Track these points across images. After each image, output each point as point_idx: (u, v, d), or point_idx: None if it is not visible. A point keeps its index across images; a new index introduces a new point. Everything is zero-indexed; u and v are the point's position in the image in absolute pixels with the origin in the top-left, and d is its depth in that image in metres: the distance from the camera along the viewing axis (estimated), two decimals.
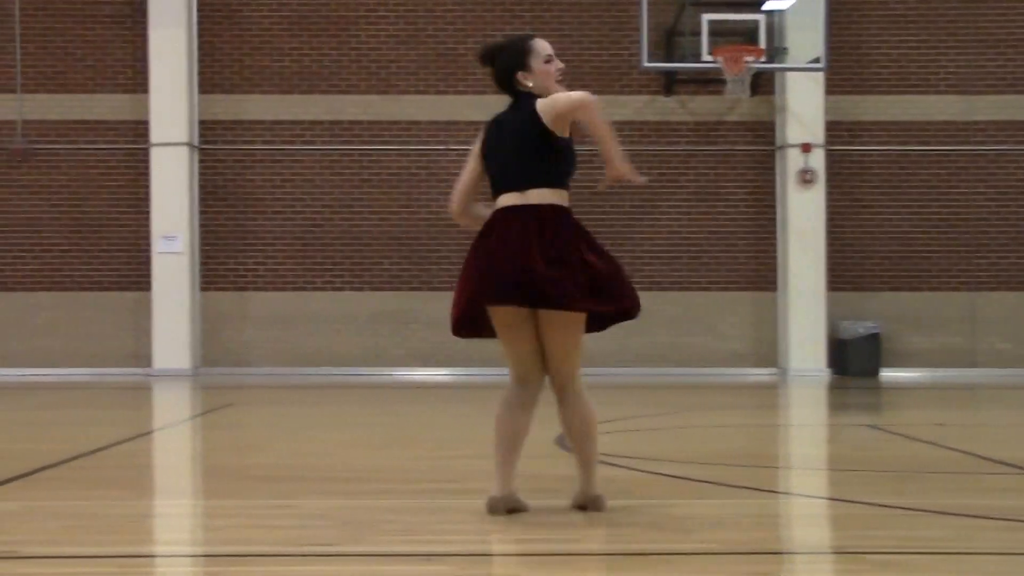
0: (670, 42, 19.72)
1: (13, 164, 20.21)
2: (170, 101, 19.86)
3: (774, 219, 20.43)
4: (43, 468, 8.61)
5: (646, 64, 18.85)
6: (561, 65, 6.82)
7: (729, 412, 14.00)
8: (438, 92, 20.45)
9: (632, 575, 5.44)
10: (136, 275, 20.07)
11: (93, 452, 9.62)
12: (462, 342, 20.25)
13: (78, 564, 5.59)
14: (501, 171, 6.69)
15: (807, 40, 18.80)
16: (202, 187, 20.28)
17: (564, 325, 6.50)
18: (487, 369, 19.82)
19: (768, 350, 20.33)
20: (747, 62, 18.48)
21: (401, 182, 20.37)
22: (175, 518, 7.05)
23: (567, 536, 6.19)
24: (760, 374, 20.08)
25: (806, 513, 7.14)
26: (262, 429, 12.38)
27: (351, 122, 20.32)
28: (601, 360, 19.75)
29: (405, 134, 20.37)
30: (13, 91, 20.13)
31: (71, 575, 5.41)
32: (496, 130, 6.78)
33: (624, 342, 19.93)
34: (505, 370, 6.82)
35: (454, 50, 20.45)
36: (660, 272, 20.37)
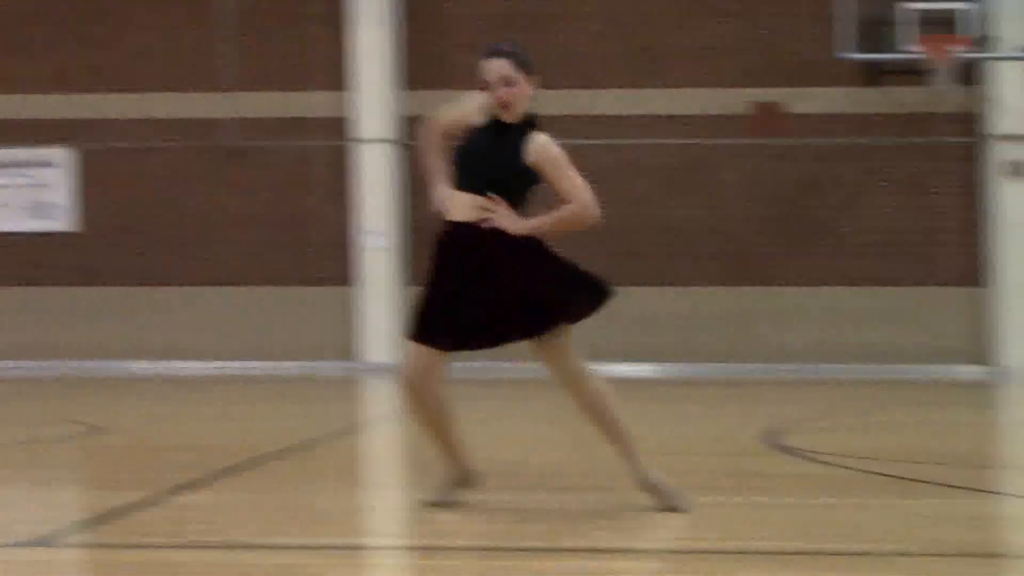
0: (871, 32, 19.35)
1: (225, 161, 20.67)
2: (373, 98, 20.14)
3: (983, 212, 19.92)
4: (257, 460, 8.79)
5: (845, 55, 18.55)
6: (502, 95, 6.62)
7: (940, 409, 13.71)
8: (639, 87, 20.38)
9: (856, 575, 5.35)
10: (343, 270, 20.38)
11: (305, 445, 9.80)
12: (671, 336, 20.18)
13: (292, 555, 5.70)
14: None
15: (1017, 29, 18.30)
16: (407, 183, 20.50)
17: None
18: (692, 365, 19.70)
19: (979, 346, 19.83)
20: (953, 51, 18.03)
21: (602, 177, 20.28)
22: (387, 511, 7.13)
23: (777, 533, 6.12)
24: (971, 371, 19.61)
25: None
26: (470, 423, 12.46)
27: (551, 117, 20.30)
28: (806, 356, 19.50)
29: (606, 129, 20.34)
30: (224, 89, 20.60)
31: (286, 565, 5.51)
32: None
33: (835, 337, 19.65)
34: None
35: (656, 45, 20.36)
36: (866, 267, 20.02)
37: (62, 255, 20.71)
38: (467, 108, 6.81)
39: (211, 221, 20.52)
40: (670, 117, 20.17)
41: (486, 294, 6.71)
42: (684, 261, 20.21)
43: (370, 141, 20.10)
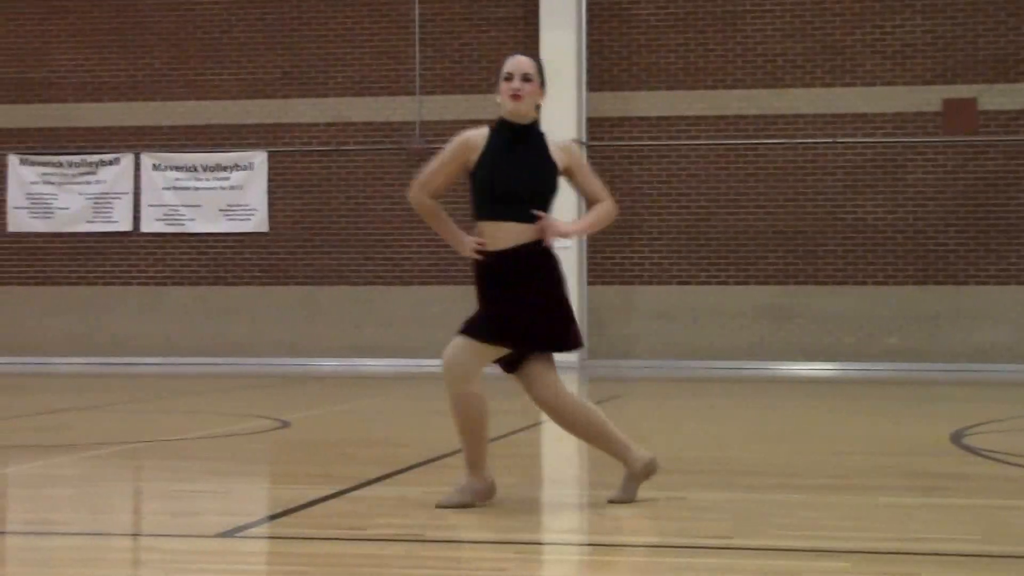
0: None
1: (413, 163, 20.98)
2: (559, 99, 20.24)
3: None
4: (440, 456, 8.93)
5: None
6: (516, 85, 6.75)
7: None
8: (824, 85, 20.17)
9: None
10: None
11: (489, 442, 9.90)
12: (851, 337, 19.93)
13: (479, 549, 5.79)
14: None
15: None
16: None
17: None
18: (873, 364, 19.44)
19: None
20: None
21: (787, 176, 20.19)
22: (568, 507, 7.18)
23: (959, 534, 6.05)
24: None
25: None
26: (648, 421, 12.50)
27: (736, 116, 20.26)
28: (994, 356, 19.12)
29: (791, 128, 20.18)
30: (412, 93, 20.91)
31: (467, 559, 5.60)
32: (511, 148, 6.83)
33: None
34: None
35: (841, 42, 20.13)
36: None
37: (253, 255, 21.21)
38: (435, 165, 6.94)
39: (397, 222, 20.83)
40: (858, 115, 19.91)
41: (526, 301, 6.81)
42: (869, 260, 19.93)
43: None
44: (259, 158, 21.32)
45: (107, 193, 21.65)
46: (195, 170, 21.49)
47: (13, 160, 21.74)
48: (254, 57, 21.22)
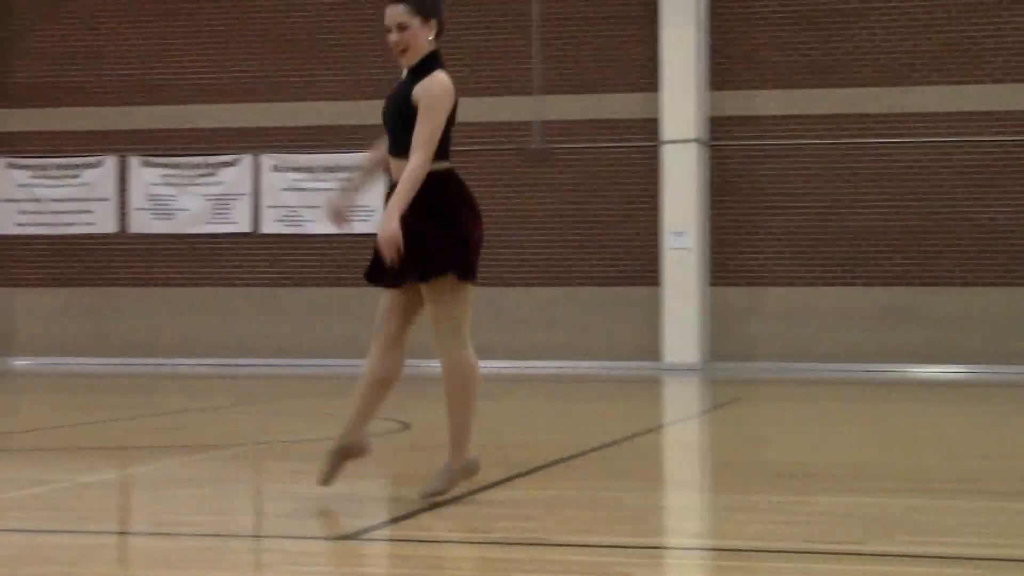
0: None
1: (532, 163, 20.92)
2: (681, 98, 20.07)
3: None
4: (564, 459, 8.84)
5: None
6: (395, 39, 6.66)
7: None
8: (951, 83, 19.78)
9: None
10: (647, 270, 20.39)
11: (609, 444, 9.81)
12: (977, 339, 19.52)
13: (603, 553, 5.68)
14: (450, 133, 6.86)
15: None
16: (712, 183, 20.39)
17: None
18: (1001, 367, 19.03)
19: None
20: None
21: (913, 175, 19.83)
22: (693, 511, 7.08)
23: None
24: None
25: None
26: (771, 424, 12.32)
27: (861, 115, 19.94)
28: None
29: (917, 126, 19.82)
30: (531, 93, 20.84)
31: (593, 563, 5.49)
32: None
33: None
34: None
35: (969, 38, 19.73)
36: None
37: (367, 256, 21.27)
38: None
39: (516, 222, 20.77)
40: (986, 113, 19.52)
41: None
42: (998, 261, 19.53)
43: (676, 142, 20.03)
44: None
45: (226, 194, 21.83)
46: (314, 171, 21.60)
47: (135, 162, 22.01)
48: (372, 58, 21.26)
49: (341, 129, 21.46)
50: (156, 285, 21.94)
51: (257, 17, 21.70)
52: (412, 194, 6.58)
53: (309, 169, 21.61)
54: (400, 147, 6.69)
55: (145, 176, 22.04)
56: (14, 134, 22.19)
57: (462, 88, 22.90)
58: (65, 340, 21.98)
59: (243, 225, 21.79)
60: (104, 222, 22.08)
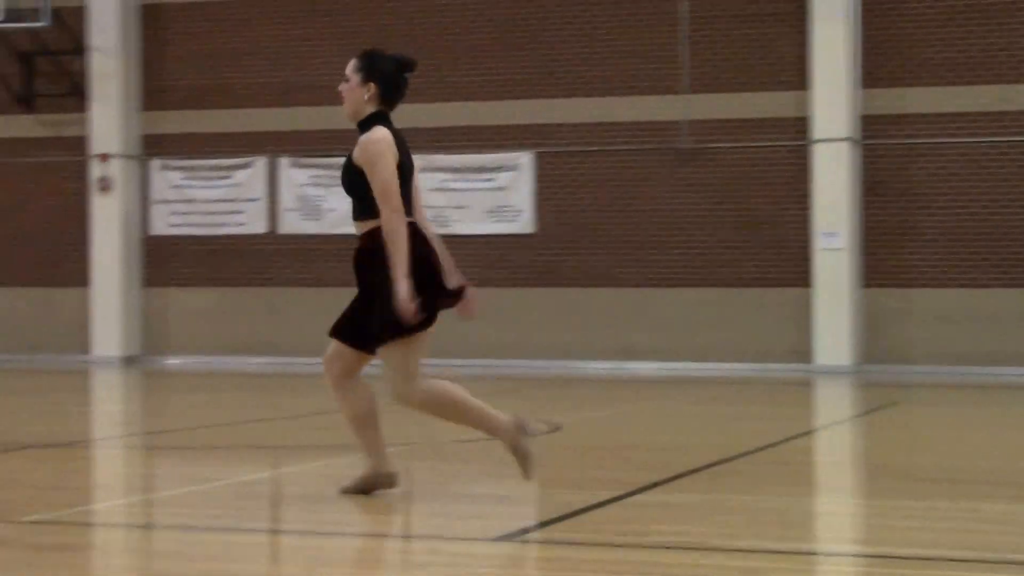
0: None
1: (680, 163, 20.80)
2: (832, 96, 19.79)
3: None
4: (716, 462, 8.75)
5: None
6: (339, 88, 7.09)
7: None
8: None
9: None
10: (798, 271, 20.14)
11: (762, 448, 9.70)
12: None
13: (757, 558, 5.61)
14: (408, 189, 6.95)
15: None
16: (864, 182, 20.07)
17: None
18: None
19: None
20: None
21: None
22: (847, 516, 6.97)
23: None
24: None
25: None
26: (927, 428, 12.10)
27: (1018, 112, 19.49)
28: None
29: None
30: (678, 91, 20.71)
31: (748, 568, 5.42)
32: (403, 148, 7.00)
33: None
34: None
35: None
36: None
37: (519, 257, 21.28)
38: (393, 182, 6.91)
39: (664, 223, 20.65)
40: None
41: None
42: None
43: (827, 141, 19.77)
44: (525, 159, 21.39)
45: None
46: (461, 171, 21.69)
47: (284, 163, 22.27)
48: (519, 57, 21.29)
49: (487, 129, 21.50)
50: (306, 285, 22.18)
51: (401, 18, 21.82)
52: (402, 248, 6.72)
53: (456, 169, 21.69)
54: (356, 211, 6.96)
55: (295, 177, 22.29)
56: (167, 136, 22.58)
57: (608, 88, 22.74)
58: (216, 339, 22.32)
59: None
60: (255, 222, 22.39)
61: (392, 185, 6.78)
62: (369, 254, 6.88)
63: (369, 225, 6.88)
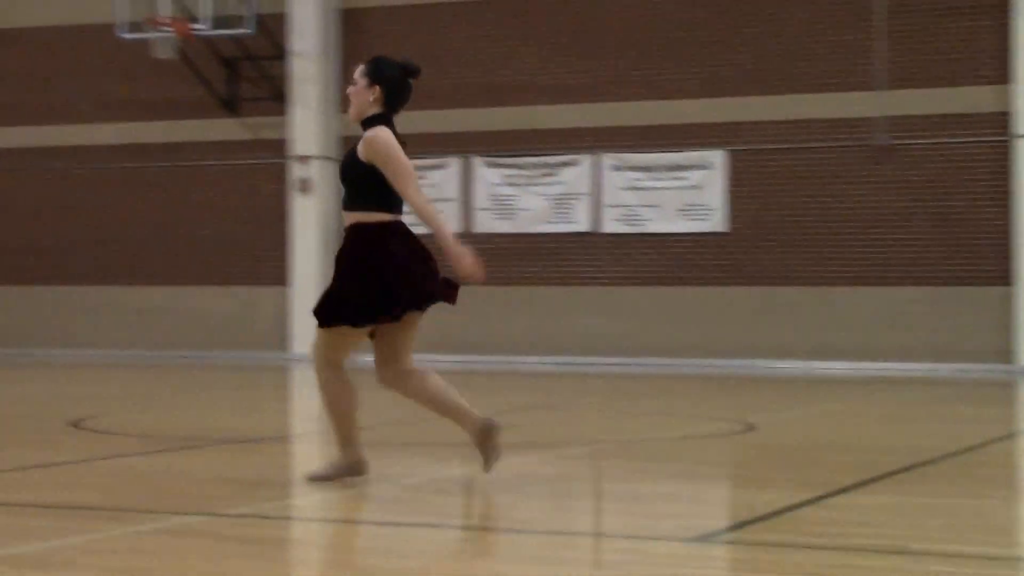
0: None
1: (876, 160, 20.45)
2: None
3: None
4: (917, 464, 8.59)
5: None
6: (347, 91, 7.53)
7: None
8: None
9: None
10: (998, 269, 19.66)
11: (964, 450, 9.49)
12: None
13: (963, 563, 5.49)
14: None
15: None
16: None
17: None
18: None
19: None
20: None
21: None
22: None
23: None
24: None
25: None
26: None
27: None
28: None
29: None
30: (873, 88, 20.36)
31: (956, 575, 5.31)
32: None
33: None
34: None
35: None
36: None
37: (711, 255, 21.14)
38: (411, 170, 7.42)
39: (859, 220, 20.34)
40: None
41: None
42: None
43: None
44: (718, 157, 21.24)
45: (567, 194, 22.05)
46: (653, 170, 21.62)
47: (478, 162, 22.45)
48: (714, 55, 21.15)
49: (680, 128, 21.40)
50: (498, 284, 22.31)
51: (598, 17, 21.83)
52: (438, 218, 7.32)
53: (649, 168, 21.64)
54: (350, 201, 7.41)
55: (488, 176, 22.46)
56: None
57: (803, 84, 22.40)
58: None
59: (583, 224, 21.98)
60: (449, 221, 22.59)
61: (406, 171, 7.29)
62: (352, 242, 7.37)
63: (358, 216, 7.37)
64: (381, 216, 7.39)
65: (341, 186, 7.49)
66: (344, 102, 22.62)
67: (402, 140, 7.41)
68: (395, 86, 7.44)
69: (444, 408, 7.75)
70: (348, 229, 7.43)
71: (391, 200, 7.38)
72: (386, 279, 7.30)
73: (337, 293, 7.37)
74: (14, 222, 24.46)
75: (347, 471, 7.53)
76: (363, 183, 7.33)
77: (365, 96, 7.40)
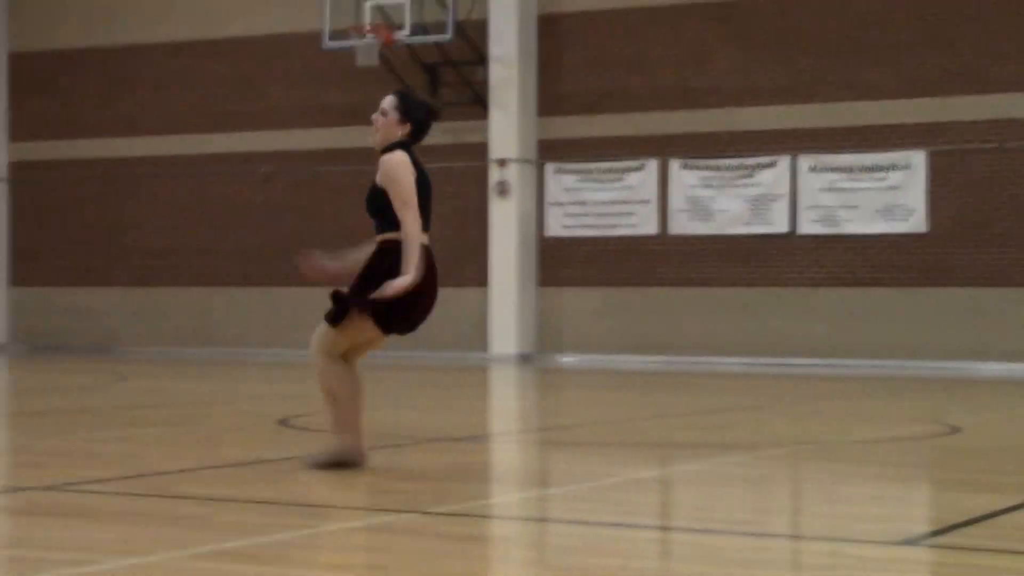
0: None
1: None
2: None
3: None
4: None
5: None
6: (373, 117, 7.94)
7: None
8: None
9: None
10: None
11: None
12: None
13: None
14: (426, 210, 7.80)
15: None
16: None
17: None
18: None
19: None
20: None
21: None
22: None
23: None
24: None
25: None
26: None
27: None
28: None
29: None
30: None
31: None
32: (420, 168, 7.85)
33: None
34: None
35: None
36: None
37: (911, 256, 20.81)
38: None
39: None
40: None
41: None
42: None
43: None
44: (917, 158, 20.92)
45: (764, 195, 21.91)
46: (851, 171, 21.37)
47: (675, 165, 22.43)
48: (913, 55, 20.84)
49: (878, 128, 21.12)
50: (695, 285, 22.29)
51: (795, 18, 21.66)
52: (415, 253, 7.56)
53: (847, 169, 21.39)
54: (380, 230, 7.77)
55: (685, 179, 22.43)
56: (561, 141, 23.08)
57: (1004, 84, 21.98)
58: (607, 338, 22.68)
59: (781, 226, 21.82)
60: (646, 224, 22.64)
61: (411, 194, 7.66)
62: (377, 256, 7.71)
63: (387, 236, 7.72)
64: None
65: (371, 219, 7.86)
66: (543, 105, 22.88)
67: (419, 166, 7.83)
68: (423, 126, 7.97)
69: (342, 405, 7.87)
70: (379, 243, 7.78)
71: (421, 215, 7.73)
72: (406, 298, 7.59)
73: (358, 291, 7.67)
74: (229, 225, 25.18)
75: (344, 457, 7.84)
76: (390, 208, 7.70)
77: (396, 129, 7.89)
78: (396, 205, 7.66)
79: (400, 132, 7.88)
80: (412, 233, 7.60)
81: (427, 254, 7.71)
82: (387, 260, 7.65)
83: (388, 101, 7.92)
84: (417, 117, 7.92)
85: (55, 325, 26.46)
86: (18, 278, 27.00)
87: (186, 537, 5.82)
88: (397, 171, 7.71)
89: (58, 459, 8.87)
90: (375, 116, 7.95)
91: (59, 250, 26.53)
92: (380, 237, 7.76)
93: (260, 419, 11.90)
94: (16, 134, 27.02)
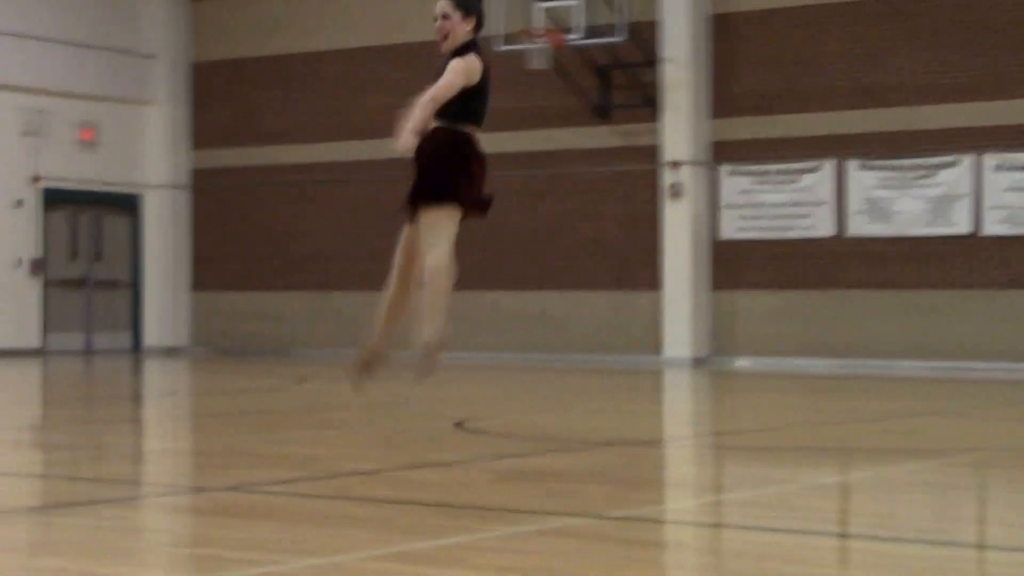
0: None
1: None
2: None
3: None
4: None
5: None
6: (437, 26, 8.25)
7: None
8: None
9: None
10: None
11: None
12: None
13: None
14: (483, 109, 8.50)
15: None
16: None
17: None
18: None
19: None
20: None
21: None
22: None
23: None
24: None
25: None
26: None
27: None
28: None
29: None
30: None
31: None
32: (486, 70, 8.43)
33: None
34: None
35: None
36: None
37: None
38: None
39: None
40: None
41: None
42: None
43: None
44: None
45: (946, 195, 21.49)
46: None
47: (853, 165, 22.11)
48: None
49: None
50: (874, 287, 21.94)
51: (978, 13, 21.21)
52: (430, 106, 8.16)
53: None
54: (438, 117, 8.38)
55: (863, 179, 22.09)
56: (736, 142, 22.90)
57: None
58: (784, 341, 22.44)
59: (963, 226, 21.38)
60: (822, 225, 22.36)
61: (451, 90, 8.15)
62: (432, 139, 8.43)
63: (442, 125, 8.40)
64: (462, 125, 8.50)
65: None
66: (716, 106, 22.72)
67: (487, 65, 8.34)
68: (482, 15, 8.35)
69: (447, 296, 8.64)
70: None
71: (471, 111, 8.38)
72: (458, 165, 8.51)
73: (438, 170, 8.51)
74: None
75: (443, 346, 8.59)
76: (453, 102, 8.30)
77: (463, 28, 8.23)
78: (445, 78, 8.11)
79: (468, 28, 8.21)
80: (431, 96, 8.16)
81: (474, 143, 8.47)
82: (456, 143, 8.35)
83: (443, 5, 8.22)
84: (476, 8, 8.23)
85: (234, 329, 27.02)
86: (198, 283, 27.62)
87: (366, 539, 5.88)
88: (457, 72, 8.13)
89: (241, 460, 9.04)
90: (439, 24, 8.23)
91: (237, 255, 27.08)
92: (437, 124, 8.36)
93: (437, 421, 12.00)
94: (198, 142, 27.66)
